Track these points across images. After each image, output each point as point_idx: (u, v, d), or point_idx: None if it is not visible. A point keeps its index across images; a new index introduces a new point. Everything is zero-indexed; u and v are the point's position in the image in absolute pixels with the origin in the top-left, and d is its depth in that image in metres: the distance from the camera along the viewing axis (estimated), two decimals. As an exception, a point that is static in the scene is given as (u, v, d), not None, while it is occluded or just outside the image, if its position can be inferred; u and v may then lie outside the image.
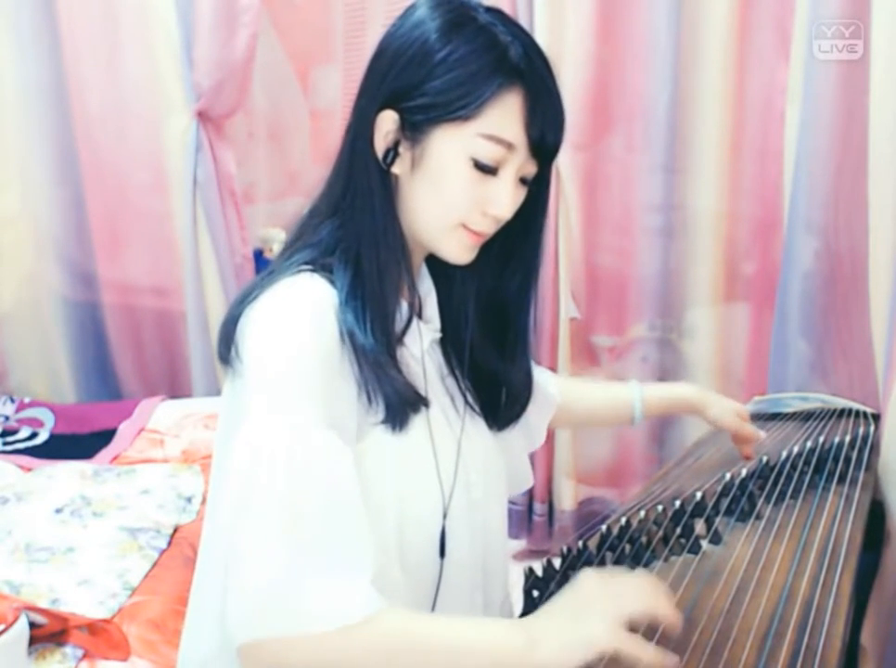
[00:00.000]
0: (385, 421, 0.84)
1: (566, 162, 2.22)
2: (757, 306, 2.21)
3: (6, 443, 2.28)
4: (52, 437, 2.33)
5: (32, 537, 1.81)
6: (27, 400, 2.50)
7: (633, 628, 0.76)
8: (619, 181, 2.26)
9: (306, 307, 0.81)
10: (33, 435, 2.33)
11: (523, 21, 2.12)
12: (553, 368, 2.36)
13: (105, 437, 2.30)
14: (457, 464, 0.92)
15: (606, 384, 1.30)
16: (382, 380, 0.83)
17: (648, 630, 0.88)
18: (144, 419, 2.36)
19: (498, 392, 0.99)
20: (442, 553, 0.90)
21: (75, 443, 2.28)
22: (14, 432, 2.34)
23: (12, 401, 2.48)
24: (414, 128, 0.84)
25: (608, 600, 0.75)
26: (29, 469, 2.14)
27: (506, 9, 2.09)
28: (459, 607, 0.93)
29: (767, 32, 2.01)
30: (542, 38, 2.11)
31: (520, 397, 1.01)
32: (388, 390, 0.83)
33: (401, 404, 0.84)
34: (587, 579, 0.78)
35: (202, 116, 2.38)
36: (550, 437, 2.40)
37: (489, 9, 0.86)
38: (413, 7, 0.86)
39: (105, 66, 2.43)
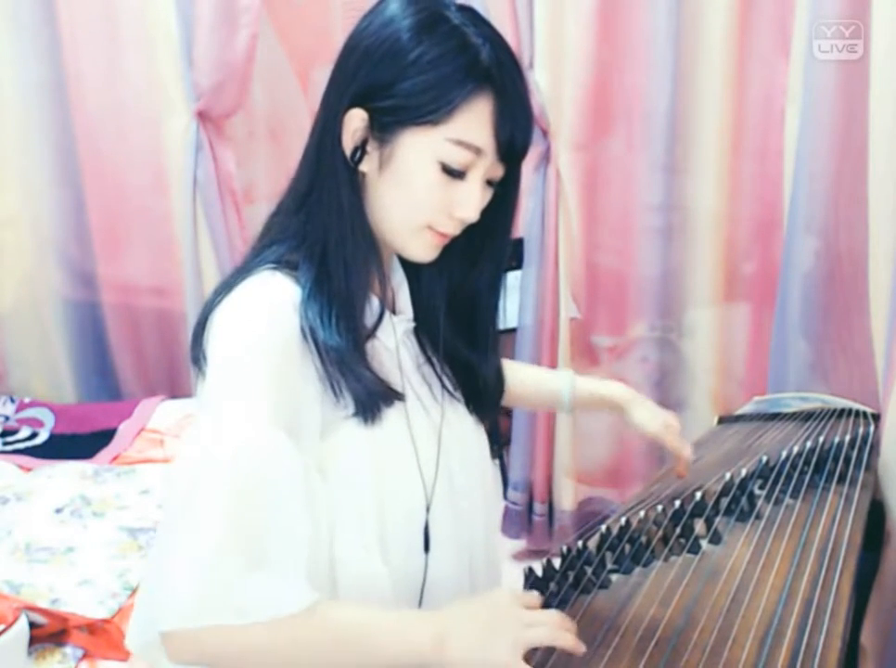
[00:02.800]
0: (356, 415, 0.85)
1: (566, 162, 2.22)
2: (757, 306, 2.21)
3: (6, 443, 2.28)
4: (52, 437, 2.34)
5: (31, 537, 1.81)
6: (27, 400, 2.50)
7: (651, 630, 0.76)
8: (619, 181, 2.26)
9: (262, 312, 0.81)
10: (33, 435, 2.33)
11: (523, 22, 2.12)
12: (553, 368, 2.36)
13: (105, 437, 2.30)
14: (438, 452, 0.92)
15: (540, 370, 1.29)
16: (347, 377, 0.83)
17: (647, 631, 0.88)
18: (144, 419, 2.36)
19: (473, 378, 1.00)
20: (427, 548, 0.90)
21: (75, 443, 2.29)
22: (14, 432, 2.34)
23: (12, 401, 2.48)
24: (382, 129, 0.84)
25: (515, 627, 0.76)
26: (29, 469, 2.14)
27: (506, 10, 2.10)
28: (446, 599, 0.93)
29: (767, 32, 2.01)
30: (542, 38, 2.11)
31: (493, 390, 1.01)
32: (354, 385, 0.83)
33: (370, 399, 0.85)
34: (502, 598, 0.79)
35: (202, 116, 2.38)
36: (550, 437, 2.40)
37: (461, 7, 0.85)
38: (384, 3, 0.85)
39: (105, 66, 2.42)
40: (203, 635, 0.75)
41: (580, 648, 0.77)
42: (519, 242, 2.36)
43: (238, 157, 2.53)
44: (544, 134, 2.20)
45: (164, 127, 2.42)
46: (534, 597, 0.83)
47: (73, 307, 2.62)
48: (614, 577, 1.02)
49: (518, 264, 2.38)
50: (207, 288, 2.48)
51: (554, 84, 2.15)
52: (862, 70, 1.67)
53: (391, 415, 0.88)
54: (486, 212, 0.89)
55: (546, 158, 2.22)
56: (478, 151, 0.83)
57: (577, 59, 2.13)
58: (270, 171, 2.85)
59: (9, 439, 2.31)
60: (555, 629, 0.77)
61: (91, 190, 2.53)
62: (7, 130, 2.46)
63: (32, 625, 1.45)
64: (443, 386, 0.97)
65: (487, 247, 0.95)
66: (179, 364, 2.65)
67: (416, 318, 0.97)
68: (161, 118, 2.42)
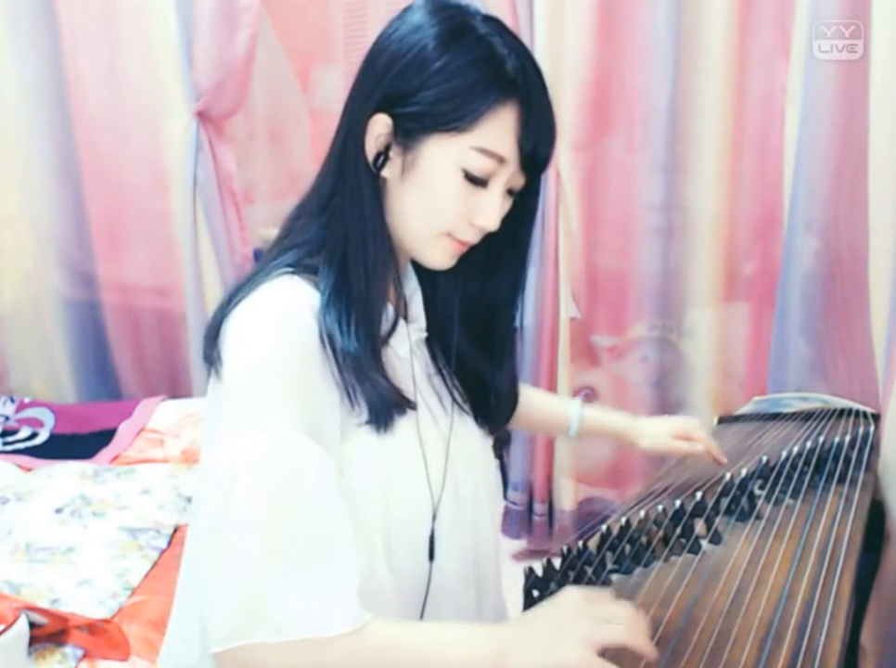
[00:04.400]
0: (369, 422, 0.84)
1: (566, 162, 2.22)
2: (757, 306, 2.22)
3: (6, 443, 2.28)
4: (52, 437, 2.34)
5: (32, 537, 1.81)
6: (27, 400, 2.50)
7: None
8: (619, 181, 2.26)
9: (283, 317, 0.81)
10: (33, 435, 2.33)
11: (523, 22, 2.12)
12: (553, 368, 2.37)
13: (105, 437, 2.30)
14: (446, 463, 0.92)
15: (549, 395, 1.33)
16: (364, 384, 0.83)
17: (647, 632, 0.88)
18: (144, 419, 2.36)
19: (485, 392, 0.99)
20: (431, 556, 0.90)
21: (75, 443, 2.29)
22: (14, 432, 2.34)
23: (12, 401, 2.48)
24: (406, 135, 0.84)
25: (587, 624, 0.74)
26: (29, 469, 2.14)
27: (506, 9, 2.10)
28: (450, 607, 0.93)
29: (767, 32, 2.01)
30: (542, 38, 2.11)
31: (508, 401, 1.01)
32: (369, 393, 0.83)
33: (384, 407, 0.84)
34: (571, 596, 0.78)
35: (202, 116, 2.38)
36: (550, 437, 2.40)
37: (487, 18, 0.85)
38: (411, 10, 0.85)
39: (105, 66, 2.43)
40: (256, 653, 0.74)
41: (653, 652, 0.76)
42: (519, 242, 2.36)
43: (238, 157, 2.53)
44: (544, 134, 2.20)
45: (164, 127, 2.43)
46: (605, 594, 0.80)
47: (73, 307, 2.62)
48: (614, 577, 1.02)
49: (518, 264, 2.38)
50: (207, 288, 2.48)
51: (554, 84, 2.12)
52: (862, 70, 1.67)
53: (402, 424, 0.87)
54: (506, 222, 0.89)
55: (546, 158, 2.22)
56: (501, 160, 0.84)
57: (577, 59, 2.14)
58: (270, 171, 2.86)
59: (9, 439, 2.31)
60: (631, 628, 0.75)
61: (91, 190, 2.53)
62: (7, 130, 2.46)
63: (32, 625, 1.45)
64: (453, 398, 0.97)
65: (506, 257, 0.95)
66: (179, 364, 2.65)
67: (428, 328, 0.97)
68: (161, 118, 2.42)
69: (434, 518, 0.90)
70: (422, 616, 0.90)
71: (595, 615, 0.75)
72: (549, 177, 2.22)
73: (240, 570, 0.74)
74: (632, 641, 0.74)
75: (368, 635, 0.76)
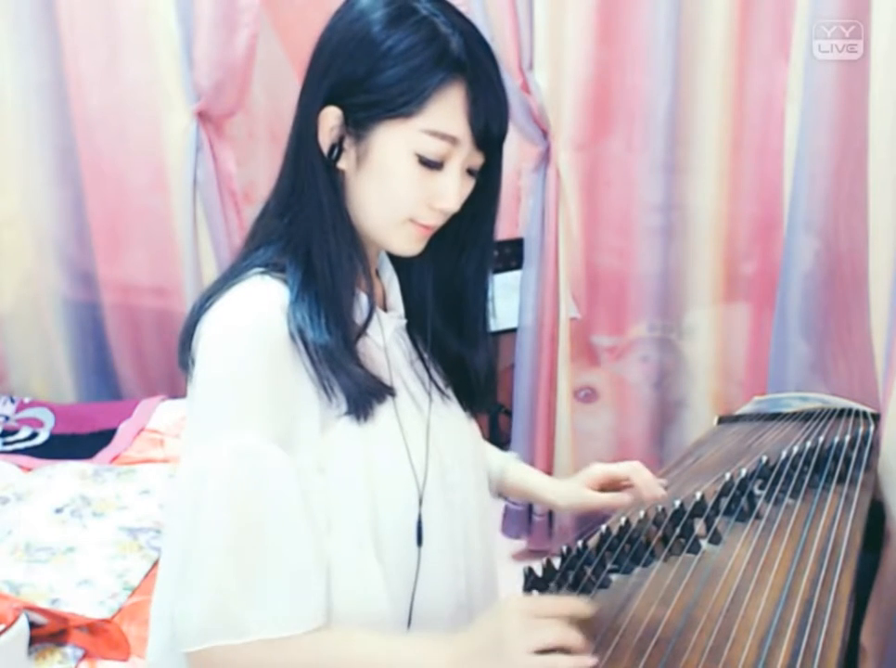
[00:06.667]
0: (349, 413, 0.85)
1: (566, 162, 2.22)
2: (757, 306, 2.22)
3: (6, 443, 2.28)
4: (52, 437, 2.34)
5: (32, 537, 1.81)
6: (27, 400, 2.50)
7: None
8: (619, 181, 2.26)
9: (253, 319, 0.81)
10: (33, 435, 2.33)
11: (523, 22, 2.12)
12: (553, 368, 2.37)
13: (105, 437, 2.30)
14: (428, 449, 0.92)
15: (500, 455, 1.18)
16: (338, 375, 0.83)
17: (647, 631, 0.88)
18: (144, 419, 2.36)
19: (465, 373, 0.99)
20: (420, 541, 0.90)
21: (75, 443, 2.29)
22: (14, 432, 2.34)
23: (12, 401, 2.48)
24: (357, 125, 0.83)
25: (525, 633, 0.74)
26: (29, 469, 2.14)
27: (506, 10, 2.10)
28: (441, 593, 0.93)
29: (767, 32, 2.02)
30: (542, 38, 2.12)
31: (485, 382, 1.01)
32: (345, 383, 0.83)
33: (361, 396, 0.85)
34: (509, 607, 0.77)
35: (202, 116, 2.38)
36: (550, 437, 2.40)
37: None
38: None
39: (105, 66, 2.43)
40: (221, 652, 0.78)
41: (583, 648, 0.75)
42: (519, 242, 2.36)
43: (238, 157, 2.53)
44: (544, 134, 2.20)
45: (164, 127, 2.43)
46: (539, 603, 0.79)
47: (73, 307, 2.62)
48: (614, 577, 1.02)
49: (518, 264, 2.38)
50: (207, 288, 2.48)
51: (554, 84, 2.15)
52: (862, 70, 1.68)
53: (383, 411, 0.88)
54: (472, 201, 0.89)
55: (546, 158, 2.22)
56: (453, 141, 0.83)
57: (577, 59, 2.14)
58: (270, 171, 2.82)
59: (9, 439, 2.31)
60: (562, 627, 0.75)
61: (91, 190, 2.53)
62: (7, 130, 2.46)
63: (32, 625, 1.45)
64: (432, 381, 0.97)
65: (472, 235, 0.94)
66: (179, 364, 2.65)
67: (407, 314, 0.97)
68: (161, 117, 2.42)
69: (420, 502, 0.90)
70: (412, 605, 0.90)
71: (530, 624, 0.75)
72: (549, 177, 2.23)
73: (207, 574, 0.78)
74: (565, 641, 0.74)
75: (323, 636, 0.80)
